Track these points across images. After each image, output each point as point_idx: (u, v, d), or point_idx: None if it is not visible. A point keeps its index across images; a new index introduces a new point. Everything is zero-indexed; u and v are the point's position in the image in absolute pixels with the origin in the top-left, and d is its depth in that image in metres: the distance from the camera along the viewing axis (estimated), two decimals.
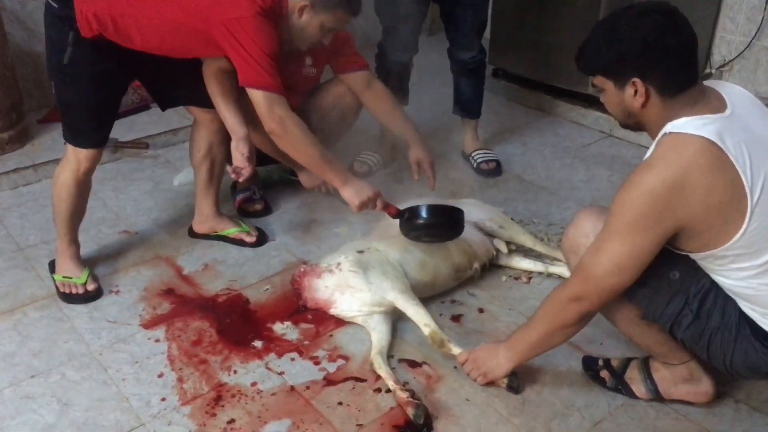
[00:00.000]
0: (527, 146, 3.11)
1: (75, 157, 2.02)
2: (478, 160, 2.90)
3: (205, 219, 2.39)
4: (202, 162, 2.28)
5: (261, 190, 2.62)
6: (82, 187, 2.08)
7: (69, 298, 2.09)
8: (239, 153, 2.08)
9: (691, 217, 1.33)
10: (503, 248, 2.26)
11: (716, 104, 1.37)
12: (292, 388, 1.79)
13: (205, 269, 2.27)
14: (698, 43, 1.41)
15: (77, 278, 2.11)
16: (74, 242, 2.16)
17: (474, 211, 2.34)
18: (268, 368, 1.85)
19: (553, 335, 1.59)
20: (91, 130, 2.01)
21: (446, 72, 2.92)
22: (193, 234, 2.42)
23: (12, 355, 1.89)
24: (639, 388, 1.73)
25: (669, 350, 1.64)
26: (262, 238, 2.41)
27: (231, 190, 2.65)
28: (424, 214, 2.05)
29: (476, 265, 2.17)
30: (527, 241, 2.28)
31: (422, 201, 2.13)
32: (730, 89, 1.43)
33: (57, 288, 2.12)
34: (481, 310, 2.08)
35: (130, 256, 2.33)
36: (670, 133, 1.36)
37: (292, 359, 1.88)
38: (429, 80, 3.48)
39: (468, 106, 2.91)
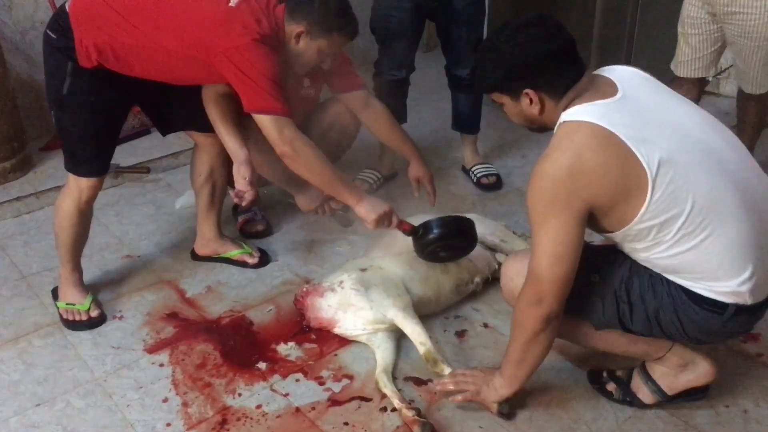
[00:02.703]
0: (527, 159, 3.11)
1: (76, 186, 2.03)
2: (478, 175, 2.90)
3: (207, 242, 2.39)
4: (204, 186, 2.29)
5: (262, 211, 2.63)
6: (84, 216, 2.09)
7: (73, 325, 2.10)
8: (241, 177, 2.09)
9: (596, 195, 1.41)
10: None
11: (606, 89, 1.46)
12: (297, 409, 1.78)
13: (208, 292, 2.27)
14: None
15: (80, 305, 2.11)
16: (77, 269, 2.16)
17: (475, 225, 2.34)
18: (273, 390, 1.85)
19: (530, 347, 1.58)
20: (91, 158, 2.02)
21: (444, 88, 2.93)
22: (195, 257, 2.43)
23: (17, 384, 1.89)
24: (645, 393, 1.72)
25: (646, 345, 1.66)
26: (264, 259, 2.41)
27: (233, 211, 2.66)
28: (438, 227, 2.02)
29: (477, 279, 2.17)
30: None
31: (429, 216, 2.12)
32: (620, 73, 1.52)
33: (60, 315, 2.12)
34: (485, 325, 2.08)
35: (133, 280, 2.34)
36: (563, 122, 1.46)
37: (297, 380, 1.88)
38: (427, 96, 3.49)
39: (466, 121, 2.92)
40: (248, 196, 2.10)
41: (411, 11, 2.60)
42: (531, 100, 1.50)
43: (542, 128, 1.58)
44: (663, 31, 3.23)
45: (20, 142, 2.93)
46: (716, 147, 1.48)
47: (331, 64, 2.28)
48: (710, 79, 2.62)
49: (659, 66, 3.23)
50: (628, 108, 1.44)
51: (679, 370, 1.68)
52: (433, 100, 3.47)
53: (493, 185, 2.88)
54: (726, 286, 1.46)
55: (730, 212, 1.43)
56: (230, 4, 1.87)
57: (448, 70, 2.83)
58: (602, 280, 1.57)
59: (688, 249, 1.44)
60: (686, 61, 2.56)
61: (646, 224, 1.42)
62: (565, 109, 1.47)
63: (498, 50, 1.52)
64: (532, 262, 1.49)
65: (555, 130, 1.48)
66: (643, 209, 1.40)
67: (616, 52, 3.21)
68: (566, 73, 1.48)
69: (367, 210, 1.97)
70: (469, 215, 2.44)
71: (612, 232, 1.48)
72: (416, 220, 2.10)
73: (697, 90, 2.67)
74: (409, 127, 2.65)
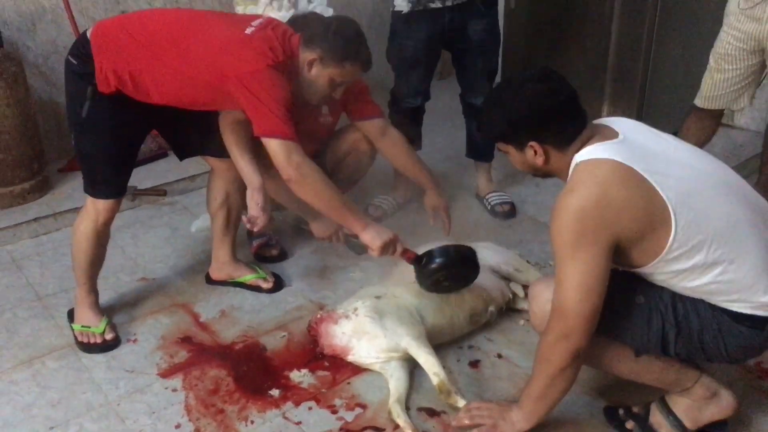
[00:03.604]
0: (540, 187, 3.11)
1: (94, 208, 2.05)
2: (493, 203, 2.91)
3: (222, 266, 2.40)
4: (219, 210, 2.31)
5: (277, 236, 2.64)
6: (101, 238, 2.11)
7: (87, 347, 2.11)
8: (254, 202, 2.11)
9: (623, 228, 1.43)
10: (520, 292, 2.25)
11: (608, 134, 1.53)
12: None
13: (222, 316, 2.28)
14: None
15: (95, 327, 2.13)
16: (93, 291, 2.18)
17: (489, 254, 2.34)
18: (286, 418, 1.84)
19: (554, 382, 1.57)
20: (109, 180, 2.05)
21: (458, 115, 2.95)
22: (210, 281, 2.44)
23: (30, 406, 1.89)
24: (666, 428, 1.70)
25: (678, 373, 1.65)
26: (278, 284, 2.42)
27: (247, 235, 2.67)
28: (441, 256, 2.02)
29: (492, 309, 2.16)
30: None
31: (443, 244, 2.12)
32: (617, 121, 1.59)
33: (75, 337, 2.13)
34: (499, 356, 2.07)
35: (148, 303, 2.35)
36: (580, 162, 1.50)
37: (310, 408, 1.87)
38: (441, 123, 3.51)
39: (481, 149, 2.94)
40: (260, 221, 2.12)
41: (426, 40, 2.64)
42: (535, 152, 1.55)
43: (547, 175, 1.63)
44: (678, 62, 3.25)
45: (40, 163, 2.97)
46: (721, 175, 1.55)
47: (348, 93, 2.30)
48: (743, 107, 2.64)
49: (674, 96, 3.25)
50: (633, 146, 1.49)
51: (704, 402, 1.67)
52: (448, 127, 3.49)
53: (507, 213, 2.88)
54: (763, 300, 1.49)
55: (751, 230, 1.49)
56: (246, 32, 1.91)
57: (463, 98, 2.86)
58: (647, 302, 1.57)
59: (721, 272, 1.47)
60: (713, 96, 2.57)
61: (675, 253, 1.45)
62: (573, 155, 1.52)
63: (503, 104, 1.57)
64: (559, 296, 1.49)
65: (571, 171, 1.52)
66: (670, 239, 1.43)
67: (631, 83, 3.22)
68: (569, 126, 1.53)
69: (372, 237, 1.98)
70: (482, 243, 2.45)
71: (643, 266, 1.50)
72: (431, 248, 2.11)
73: (715, 121, 2.68)
74: (423, 154, 2.67)
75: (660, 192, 1.42)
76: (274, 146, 1.89)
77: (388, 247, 1.99)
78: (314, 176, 1.93)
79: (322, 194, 1.96)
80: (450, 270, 2.03)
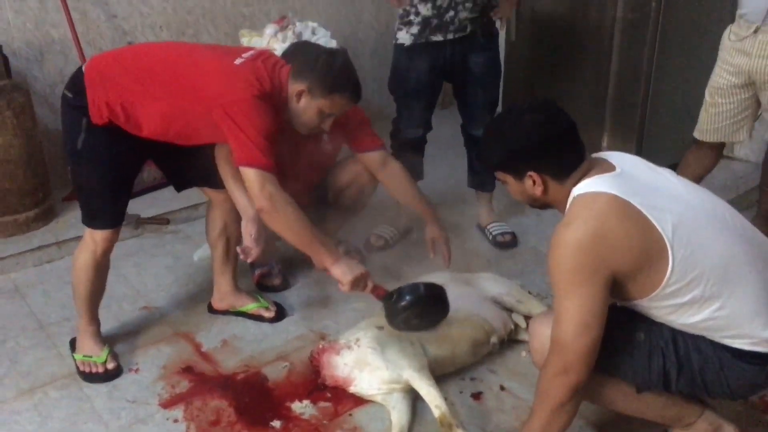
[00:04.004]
0: (541, 217, 3.13)
1: (92, 239, 2.07)
2: (494, 233, 2.92)
3: (223, 296, 2.41)
4: (218, 240, 2.33)
5: (279, 265, 2.65)
6: (100, 269, 2.12)
7: (89, 377, 2.10)
8: (248, 233, 2.13)
9: (621, 262, 1.44)
10: (522, 323, 2.25)
11: (606, 167, 1.55)
12: None
13: (224, 346, 2.28)
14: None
15: (97, 357, 2.13)
16: (94, 321, 2.18)
17: (491, 285, 2.35)
18: None
19: (554, 418, 1.56)
20: (105, 211, 2.06)
21: (459, 144, 2.98)
22: (212, 310, 2.45)
23: None
24: None
25: (680, 409, 1.65)
26: (280, 313, 2.42)
27: (250, 264, 2.67)
28: (410, 293, 1.99)
29: (494, 339, 2.16)
30: None
31: (442, 275, 2.12)
32: (615, 155, 1.60)
33: (77, 367, 2.13)
34: (501, 388, 2.06)
35: (150, 332, 2.35)
36: (577, 195, 1.50)
37: None
38: (443, 152, 3.53)
39: (482, 179, 2.96)
40: (254, 252, 2.13)
41: (428, 73, 2.68)
42: (534, 182, 1.56)
43: (544, 206, 1.64)
44: (678, 93, 3.29)
45: (45, 191, 2.99)
46: (718, 210, 1.56)
47: (349, 124, 2.33)
48: (742, 140, 2.68)
49: (674, 127, 3.29)
50: (630, 180, 1.51)
51: None
52: (449, 157, 3.51)
53: (508, 243, 2.89)
54: (763, 336, 1.48)
55: (747, 264, 1.49)
56: (235, 62, 1.94)
57: (464, 129, 2.89)
58: (647, 339, 1.57)
59: (719, 307, 1.47)
60: (711, 129, 2.60)
61: (672, 288, 1.45)
62: (571, 187, 1.53)
63: (503, 134, 1.59)
64: (558, 330, 1.49)
65: (569, 204, 1.52)
66: (667, 273, 1.43)
67: (631, 114, 3.25)
68: (568, 156, 1.55)
69: (343, 271, 1.96)
70: (484, 274, 2.47)
71: (640, 299, 1.50)
72: (430, 279, 2.11)
73: (716, 153, 2.71)
74: (424, 184, 2.69)
75: (657, 226, 1.43)
76: (249, 175, 1.90)
77: (358, 283, 1.97)
78: (286, 208, 1.92)
79: (292, 226, 1.95)
80: (419, 308, 2.00)
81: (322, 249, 1.97)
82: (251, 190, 1.92)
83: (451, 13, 2.56)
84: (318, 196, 2.61)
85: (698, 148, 2.68)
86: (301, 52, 2.11)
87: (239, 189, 2.13)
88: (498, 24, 2.79)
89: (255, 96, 1.88)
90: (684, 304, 1.48)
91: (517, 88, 3.53)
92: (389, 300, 2.01)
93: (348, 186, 2.56)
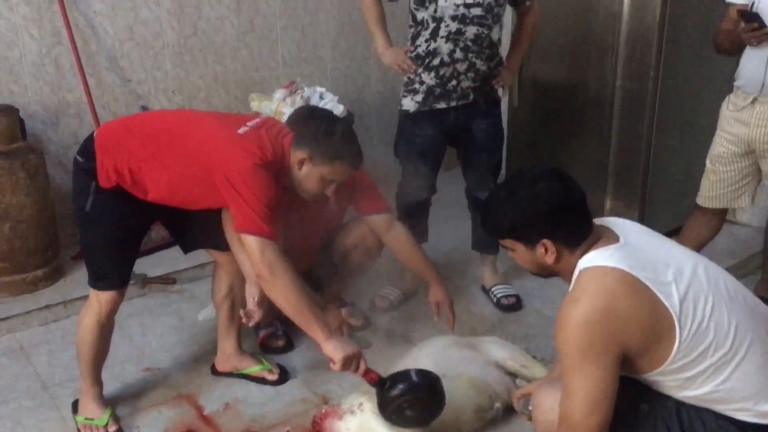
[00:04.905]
0: (546, 281, 3.12)
1: (97, 301, 2.09)
2: (498, 295, 2.93)
3: (227, 358, 2.41)
4: (223, 302, 2.35)
5: (284, 326, 2.65)
6: (105, 330, 2.14)
7: None
8: (251, 296, 2.15)
9: (631, 338, 1.43)
10: None
11: (611, 236, 1.55)
12: None
13: (226, 409, 2.27)
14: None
15: (99, 420, 2.12)
16: (97, 382, 2.18)
17: (495, 349, 2.35)
18: None
19: None
20: (110, 273, 2.09)
21: (463, 206, 3.01)
22: (215, 372, 2.44)
23: None
24: None
25: None
26: (283, 376, 2.41)
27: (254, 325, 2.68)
28: (404, 382, 1.92)
29: (497, 405, 2.14)
30: None
31: (445, 338, 2.10)
32: (617, 223, 1.62)
33: (78, 430, 2.13)
34: None
35: (153, 394, 2.34)
36: (585, 268, 1.49)
37: None
38: (446, 214, 3.56)
39: (486, 242, 2.97)
40: (257, 316, 2.15)
41: (433, 138, 2.74)
42: (546, 250, 1.54)
43: (550, 275, 1.63)
44: (678, 158, 3.34)
45: (54, 250, 3.03)
46: (718, 278, 1.55)
47: (356, 187, 2.38)
48: (744, 206, 2.71)
49: (676, 191, 3.32)
50: (636, 253, 1.50)
51: None
52: (453, 218, 3.54)
53: (512, 306, 2.89)
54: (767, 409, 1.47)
55: (751, 335, 1.48)
56: (239, 131, 2.00)
57: (469, 193, 2.93)
58: (651, 410, 1.55)
59: (724, 380, 1.46)
60: (713, 196, 2.64)
61: (679, 363, 1.45)
62: (580, 257, 1.52)
63: (518, 197, 1.57)
64: (567, 408, 1.46)
65: (575, 277, 1.51)
66: (675, 348, 1.43)
67: (633, 178, 3.29)
68: (582, 225, 1.56)
69: (335, 348, 1.92)
70: (488, 338, 2.46)
71: (647, 373, 1.49)
72: (434, 343, 2.12)
73: (719, 218, 2.73)
74: (428, 245, 2.71)
75: (664, 302, 1.43)
76: (250, 242, 1.93)
77: (350, 362, 1.93)
78: (285, 277, 1.93)
79: (289, 296, 1.95)
80: (412, 397, 1.91)
81: (316, 323, 1.95)
82: (251, 257, 1.95)
83: (454, 82, 2.64)
84: (324, 257, 2.64)
85: (701, 213, 2.71)
86: (303, 120, 2.17)
87: (244, 252, 2.16)
88: (500, 92, 2.86)
89: (256, 164, 1.93)
90: (689, 378, 1.47)
91: (521, 152, 3.60)
92: (381, 387, 1.94)
93: (354, 247, 2.59)
